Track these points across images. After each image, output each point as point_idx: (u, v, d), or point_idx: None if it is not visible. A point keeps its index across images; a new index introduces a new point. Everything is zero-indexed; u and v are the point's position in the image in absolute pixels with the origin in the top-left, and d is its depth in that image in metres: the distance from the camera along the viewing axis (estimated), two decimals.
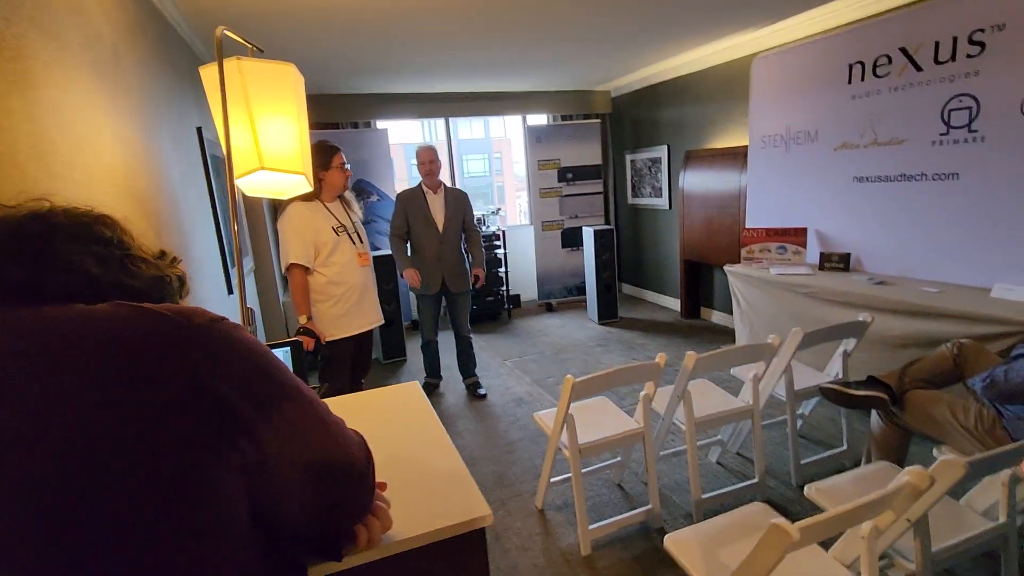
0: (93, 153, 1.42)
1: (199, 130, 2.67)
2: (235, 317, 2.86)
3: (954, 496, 1.51)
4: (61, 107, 1.27)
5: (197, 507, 0.51)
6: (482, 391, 3.66)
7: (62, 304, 0.53)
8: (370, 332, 2.65)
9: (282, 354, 1.34)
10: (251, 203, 3.99)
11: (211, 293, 2.44)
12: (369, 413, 1.41)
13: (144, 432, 0.49)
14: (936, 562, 1.35)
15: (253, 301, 3.70)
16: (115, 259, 0.60)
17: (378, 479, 0.80)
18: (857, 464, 2.47)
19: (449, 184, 4.01)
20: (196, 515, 0.51)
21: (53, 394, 0.48)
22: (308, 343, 2.33)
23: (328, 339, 2.44)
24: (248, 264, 3.68)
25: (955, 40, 2.56)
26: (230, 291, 2.76)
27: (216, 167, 2.86)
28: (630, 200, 5.89)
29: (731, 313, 4.01)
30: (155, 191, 1.90)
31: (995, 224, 2.56)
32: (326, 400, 1.00)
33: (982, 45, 2.48)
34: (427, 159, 3.37)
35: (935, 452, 1.91)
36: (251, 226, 3.98)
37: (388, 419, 1.36)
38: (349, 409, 1.45)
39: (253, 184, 1.65)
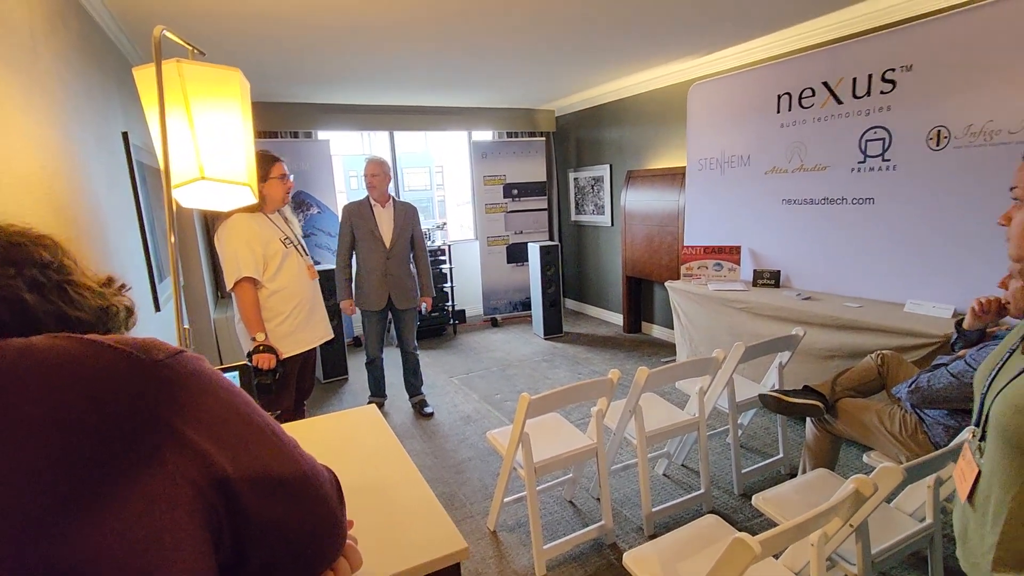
0: (5, 154, 1.27)
1: (125, 135, 2.48)
2: (166, 336, 2.65)
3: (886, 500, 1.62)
4: None
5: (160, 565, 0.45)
6: (429, 409, 3.57)
7: None
8: (315, 350, 2.53)
9: (231, 379, 1.24)
10: (181, 214, 3.74)
11: (137, 310, 2.24)
12: (326, 441, 1.33)
13: (92, 490, 0.42)
14: (874, 564, 1.44)
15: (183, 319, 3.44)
16: (53, 285, 0.53)
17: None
18: (793, 470, 2.60)
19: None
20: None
21: None
22: (269, 360, 2.18)
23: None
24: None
25: (870, 77, 2.81)
26: (157, 308, 2.56)
27: (143, 175, 2.65)
28: (573, 217, 6.01)
29: (671, 327, 4.15)
30: (76, 198, 1.72)
31: (906, 245, 2.81)
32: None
33: (893, 83, 2.73)
34: (368, 172, 3.29)
35: (865, 457, 2.04)
36: (180, 239, 3.72)
37: (348, 447, 1.29)
38: (303, 437, 1.36)
39: (192, 195, 1.54)
